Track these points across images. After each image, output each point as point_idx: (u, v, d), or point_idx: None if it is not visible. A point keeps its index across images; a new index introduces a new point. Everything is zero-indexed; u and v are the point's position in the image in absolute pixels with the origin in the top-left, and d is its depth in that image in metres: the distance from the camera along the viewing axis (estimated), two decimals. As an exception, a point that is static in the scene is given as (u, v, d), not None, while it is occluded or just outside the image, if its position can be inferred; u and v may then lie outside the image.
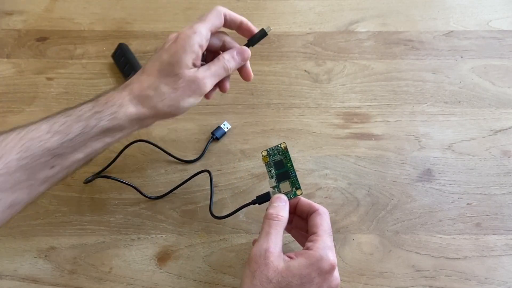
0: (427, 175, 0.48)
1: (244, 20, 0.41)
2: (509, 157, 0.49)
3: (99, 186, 0.48)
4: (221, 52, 0.41)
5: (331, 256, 0.34)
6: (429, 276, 0.42)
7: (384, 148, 0.50)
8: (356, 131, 0.52)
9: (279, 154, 0.40)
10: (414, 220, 0.45)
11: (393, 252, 0.43)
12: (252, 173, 0.49)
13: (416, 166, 0.49)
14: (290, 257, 0.34)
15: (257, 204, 0.41)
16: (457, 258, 0.43)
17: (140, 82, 0.37)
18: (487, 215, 0.45)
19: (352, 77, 0.57)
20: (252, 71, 0.42)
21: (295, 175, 0.39)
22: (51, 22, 0.65)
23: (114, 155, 0.49)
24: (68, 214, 0.46)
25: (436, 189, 0.47)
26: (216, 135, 0.51)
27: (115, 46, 0.59)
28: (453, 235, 0.44)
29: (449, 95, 0.55)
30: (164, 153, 0.50)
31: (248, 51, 0.41)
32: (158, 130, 0.52)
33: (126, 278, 0.42)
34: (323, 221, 0.37)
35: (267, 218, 0.36)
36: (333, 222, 0.41)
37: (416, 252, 0.43)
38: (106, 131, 0.35)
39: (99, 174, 0.48)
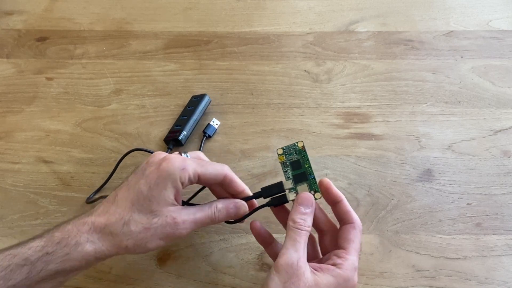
0: (427, 175, 0.48)
1: (247, 189, 0.38)
2: (509, 157, 0.49)
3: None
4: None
5: (356, 277, 0.34)
6: (429, 276, 0.42)
7: (384, 148, 0.50)
8: (356, 131, 0.52)
9: (296, 153, 0.38)
10: (414, 220, 0.45)
11: (393, 252, 0.43)
12: (252, 173, 0.49)
13: (416, 166, 0.49)
14: (315, 269, 0.33)
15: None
16: (457, 258, 0.43)
17: (107, 214, 0.33)
18: (487, 215, 0.45)
19: (352, 77, 0.57)
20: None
21: (314, 177, 0.37)
22: (51, 22, 0.65)
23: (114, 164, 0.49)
24: (68, 214, 0.46)
25: (436, 189, 0.47)
26: (208, 133, 0.51)
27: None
28: (453, 235, 0.44)
29: (449, 95, 0.55)
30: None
31: (245, 207, 0.37)
32: (157, 131, 0.52)
33: (126, 278, 0.42)
34: (356, 237, 0.35)
35: (295, 227, 0.34)
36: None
37: (416, 252, 0.43)
38: (57, 273, 0.31)
39: (99, 190, 0.47)
